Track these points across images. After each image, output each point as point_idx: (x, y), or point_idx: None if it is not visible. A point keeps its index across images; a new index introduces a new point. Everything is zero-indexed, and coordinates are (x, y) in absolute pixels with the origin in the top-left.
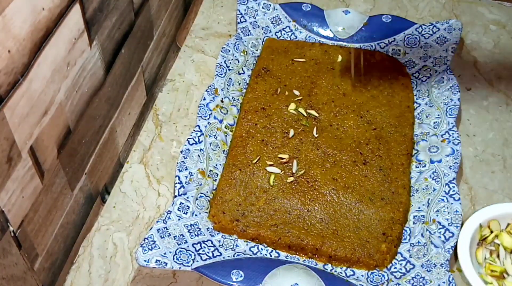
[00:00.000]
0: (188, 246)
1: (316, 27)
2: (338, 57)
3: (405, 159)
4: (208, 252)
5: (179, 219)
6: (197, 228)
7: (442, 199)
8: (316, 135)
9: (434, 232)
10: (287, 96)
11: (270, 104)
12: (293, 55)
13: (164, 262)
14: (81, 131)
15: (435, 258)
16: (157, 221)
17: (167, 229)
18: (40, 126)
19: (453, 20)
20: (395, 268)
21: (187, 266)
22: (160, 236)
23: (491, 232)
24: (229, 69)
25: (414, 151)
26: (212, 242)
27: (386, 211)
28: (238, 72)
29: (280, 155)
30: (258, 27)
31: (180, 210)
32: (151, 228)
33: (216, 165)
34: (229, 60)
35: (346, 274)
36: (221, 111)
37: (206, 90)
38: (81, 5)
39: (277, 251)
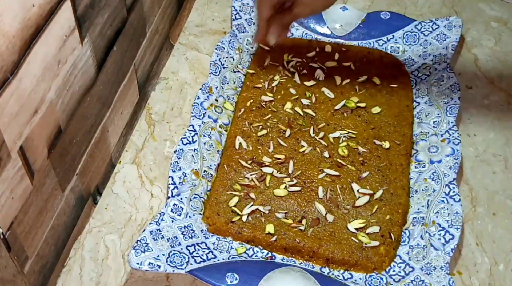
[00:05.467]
0: (181, 249)
1: (313, 24)
2: (335, 55)
3: (404, 159)
4: (202, 255)
5: (172, 221)
6: (191, 230)
7: (442, 200)
8: (313, 135)
9: (434, 234)
10: (283, 95)
11: (265, 103)
12: (289, 53)
13: (157, 265)
14: (72, 131)
15: (435, 261)
16: (150, 223)
17: (160, 231)
18: (30, 125)
19: (453, 17)
20: (393, 271)
21: (181, 269)
22: (153, 238)
23: None
24: (223, 67)
25: (414, 151)
26: (206, 245)
27: (384, 212)
28: (233, 70)
29: (276, 155)
30: (254, 24)
31: (173, 212)
32: (144, 230)
33: (211, 165)
34: (223, 58)
35: (343, 277)
36: (215, 110)
37: (200, 89)
38: (72, 1)
39: (273, 253)
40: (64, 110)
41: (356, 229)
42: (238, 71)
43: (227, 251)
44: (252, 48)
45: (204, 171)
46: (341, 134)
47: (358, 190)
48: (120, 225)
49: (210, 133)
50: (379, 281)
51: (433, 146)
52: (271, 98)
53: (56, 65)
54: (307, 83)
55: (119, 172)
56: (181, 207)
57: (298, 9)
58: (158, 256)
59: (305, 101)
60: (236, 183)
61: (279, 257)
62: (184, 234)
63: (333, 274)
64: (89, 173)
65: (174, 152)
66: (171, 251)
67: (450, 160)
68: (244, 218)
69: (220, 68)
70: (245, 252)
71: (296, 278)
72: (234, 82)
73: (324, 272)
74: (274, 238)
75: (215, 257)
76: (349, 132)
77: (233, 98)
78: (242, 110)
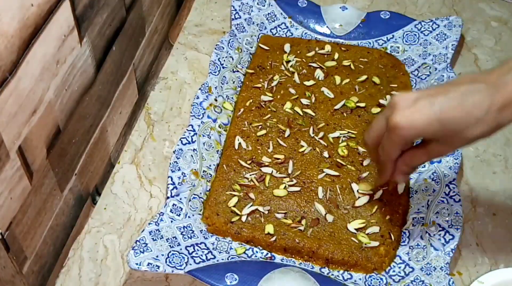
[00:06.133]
0: (181, 249)
1: (312, 23)
2: (335, 55)
3: None
4: (201, 255)
5: (171, 221)
6: (190, 230)
7: (442, 201)
8: (312, 135)
9: (434, 235)
10: (283, 94)
11: (265, 102)
12: (289, 53)
13: (156, 265)
14: (71, 131)
15: (434, 261)
16: (149, 223)
17: (159, 231)
18: (29, 125)
19: (453, 17)
20: (393, 271)
21: (180, 269)
22: (152, 238)
23: None
24: (223, 67)
25: None
26: (205, 245)
27: (384, 212)
28: (233, 70)
29: (275, 155)
30: (253, 23)
31: (172, 212)
32: (143, 230)
33: (210, 165)
34: (223, 57)
35: (343, 277)
36: (215, 110)
37: (200, 89)
38: (71, 1)
39: (273, 254)
40: (63, 110)
41: (355, 229)
42: (238, 71)
43: (227, 251)
44: (251, 47)
45: (204, 171)
46: (340, 134)
47: (357, 190)
48: (119, 225)
49: (210, 133)
50: (379, 282)
51: None
52: (271, 98)
53: (55, 65)
54: (307, 83)
55: (118, 172)
56: (180, 207)
57: (436, 146)
58: (157, 256)
59: (304, 101)
60: (235, 183)
61: (278, 258)
62: (183, 235)
63: (332, 274)
64: (88, 173)
65: (173, 152)
66: (170, 252)
67: (450, 160)
68: (243, 218)
69: (220, 67)
70: (244, 252)
71: (296, 279)
72: (234, 82)
73: (323, 273)
74: (273, 239)
75: (215, 257)
76: (348, 132)
77: (232, 98)
78: (242, 110)
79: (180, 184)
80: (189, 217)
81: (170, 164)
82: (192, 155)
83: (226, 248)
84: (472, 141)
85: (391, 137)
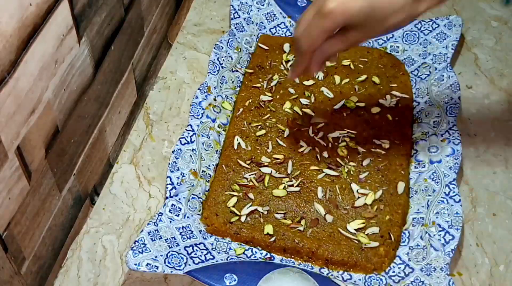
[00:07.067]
0: (180, 249)
1: None
2: None
3: (404, 159)
4: (200, 256)
5: (170, 221)
6: (189, 230)
7: (442, 201)
8: (312, 135)
9: (434, 235)
10: (282, 94)
11: (264, 102)
12: (288, 52)
13: (155, 266)
14: (69, 131)
15: (434, 262)
16: (148, 224)
17: (158, 231)
18: (27, 125)
19: (454, 16)
20: (393, 272)
21: (179, 269)
22: (151, 238)
23: None
24: (222, 67)
25: (413, 151)
26: (204, 245)
27: (384, 213)
28: (232, 69)
29: (275, 156)
30: (252, 23)
31: (171, 212)
32: (142, 230)
33: (209, 165)
34: (222, 57)
35: (343, 278)
36: (214, 110)
37: (199, 88)
38: (70, 0)
39: (272, 254)
40: (61, 110)
41: (355, 229)
42: (237, 71)
43: (226, 251)
44: (250, 47)
45: (203, 171)
46: (340, 134)
47: (357, 190)
48: (118, 225)
49: (209, 133)
50: (379, 282)
51: (433, 146)
52: (270, 98)
53: (54, 64)
54: (306, 83)
55: (117, 172)
56: (179, 208)
57: (356, 34)
58: (156, 256)
59: (304, 101)
60: (234, 183)
61: (278, 258)
62: (182, 235)
63: (332, 275)
64: (87, 173)
65: (172, 152)
66: (169, 252)
67: (450, 160)
68: (242, 219)
69: (219, 67)
70: (243, 252)
71: (295, 279)
72: (233, 82)
73: (323, 273)
74: (273, 239)
75: (214, 257)
76: (348, 132)
77: (231, 97)
78: (241, 109)
79: (179, 184)
80: (188, 217)
81: (169, 164)
82: (191, 155)
83: (225, 248)
84: (389, 30)
85: (322, 24)
